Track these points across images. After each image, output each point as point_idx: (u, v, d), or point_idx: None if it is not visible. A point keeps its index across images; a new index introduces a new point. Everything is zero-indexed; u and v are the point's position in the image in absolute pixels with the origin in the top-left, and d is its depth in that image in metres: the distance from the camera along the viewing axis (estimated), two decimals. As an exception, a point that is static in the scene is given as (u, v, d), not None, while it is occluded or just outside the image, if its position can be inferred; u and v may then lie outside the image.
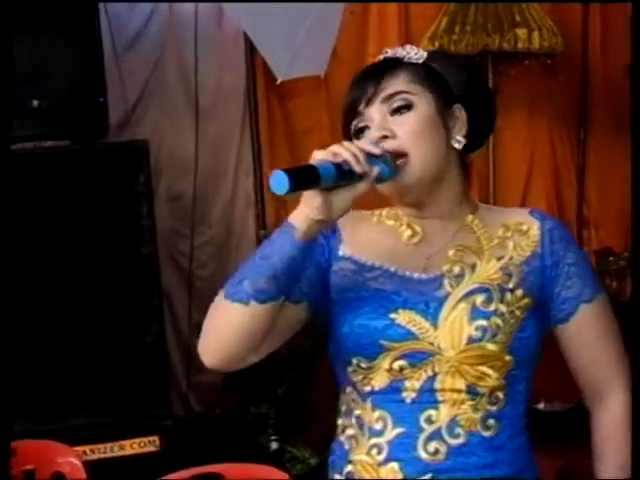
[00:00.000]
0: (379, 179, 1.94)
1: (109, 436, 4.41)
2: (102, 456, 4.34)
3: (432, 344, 1.98)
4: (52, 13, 4.46)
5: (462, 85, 2.09)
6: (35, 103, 4.39)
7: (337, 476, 2.11)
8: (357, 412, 2.07)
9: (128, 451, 4.43)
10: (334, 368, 2.13)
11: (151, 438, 4.45)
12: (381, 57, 2.12)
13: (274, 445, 4.65)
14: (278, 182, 1.80)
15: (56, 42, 4.46)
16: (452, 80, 2.08)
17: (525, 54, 5.75)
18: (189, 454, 3.92)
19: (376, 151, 1.93)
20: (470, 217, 2.10)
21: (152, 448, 4.45)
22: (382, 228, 2.14)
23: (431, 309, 2.00)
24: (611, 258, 6.16)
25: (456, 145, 2.06)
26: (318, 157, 1.87)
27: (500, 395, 2.01)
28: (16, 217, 4.30)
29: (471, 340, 1.97)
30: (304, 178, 1.84)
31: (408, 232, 2.10)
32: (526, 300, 2.02)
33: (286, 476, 3.11)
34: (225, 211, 5.70)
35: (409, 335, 1.98)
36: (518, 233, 2.07)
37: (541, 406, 5.28)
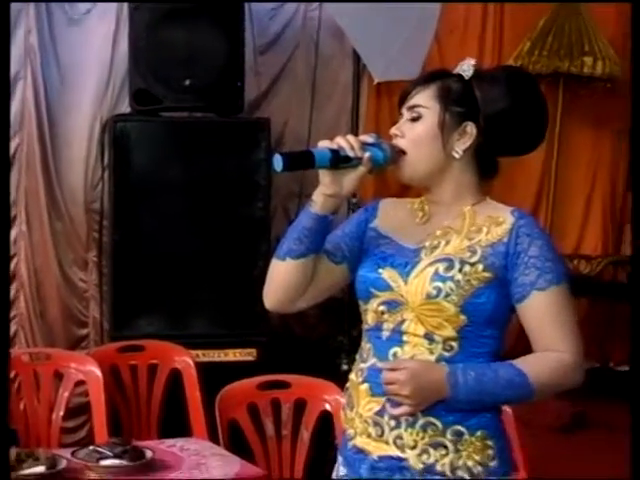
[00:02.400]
0: (375, 163, 2.04)
1: (217, 345, 4.51)
2: (210, 359, 4.40)
3: (402, 296, 2.05)
4: (207, 9, 4.58)
5: (492, 108, 2.06)
6: (188, 82, 4.50)
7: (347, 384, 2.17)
8: (362, 342, 2.15)
9: (231, 358, 4.52)
10: None
11: (250, 350, 4.54)
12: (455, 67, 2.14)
13: (344, 367, 4.72)
14: (276, 162, 1.97)
15: (208, 34, 4.55)
16: (484, 102, 2.07)
17: (590, 78, 5.78)
18: (279, 366, 3.87)
19: (370, 140, 2.05)
20: (469, 207, 2.11)
21: (250, 358, 4.53)
22: (409, 210, 2.19)
23: (406, 269, 2.05)
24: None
25: (454, 155, 2.08)
26: (320, 144, 2.04)
27: (454, 345, 2.03)
28: (166, 170, 4.57)
29: (428, 296, 2.01)
30: (298, 160, 2.00)
31: (420, 213, 2.17)
32: (485, 274, 2.02)
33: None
34: None
35: (388, 287, 2.07)
36: (494, 224, 2.06)
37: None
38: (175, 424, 3.75)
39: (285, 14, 5.39)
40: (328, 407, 3.41)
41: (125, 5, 4.74)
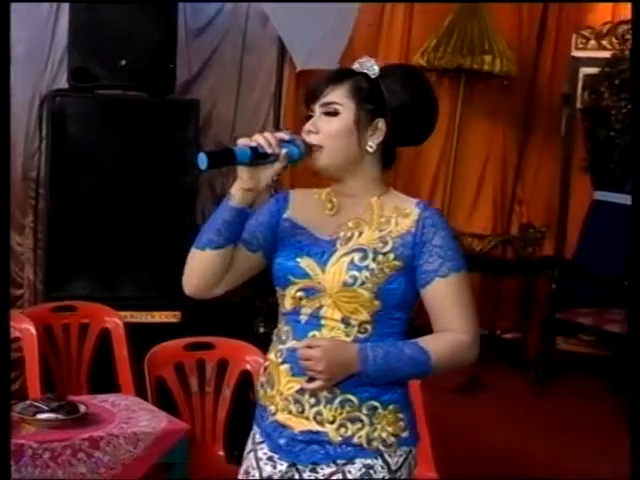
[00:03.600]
0: (290, 159, 2.01)
1: (145, 307, 4.46)
2: (138, 320, 4.34)
3: (320, 283, 2.02)
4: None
5: (397, 104, 2.05)
6: (123, 62, 4.42)
7: (264, 367, 2.15)
8: (278, 325, 2.12)
9: (157, 319, 4.47)
10: None
11: (175, 312, 4.50)
12: (353, 65, 2.10)
13: (261, 329, 4.72)
14: (201, 161, 1.93)
15: (144, 17, 4.46)
16: (391, 99, 2.04)
17: (489, 74, 5.81)
18: (201, 328, 3.85)
19: (286, 137, 2.01)
20: (375, 198, 2.09)
21: (174, 320, 4.49)
22: (316, 201, 2.14)
23: (323, 259, 2.03)
24: (531, 230, 6.27)
25: (368, 149, 2.05)
26: (240, 142, 1.99)
27: (368, 328, 2.02)
28: (100, 143, 4.46)
29: (345, 285, 2.00)
30: (221, 158, 1.96)
31: (329, 205, 2.11)
32: (396, 263, 2.02)
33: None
34: None
35: (305, 275, 2.04)
36: (402, 215, 2.05)
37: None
38: (104, 381, 3.71)
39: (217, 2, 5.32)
40: (248, 367, 3.41)
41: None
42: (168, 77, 4.56)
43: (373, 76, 2.06)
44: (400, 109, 2.05)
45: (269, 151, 1.98)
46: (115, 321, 3.84)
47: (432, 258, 2.02)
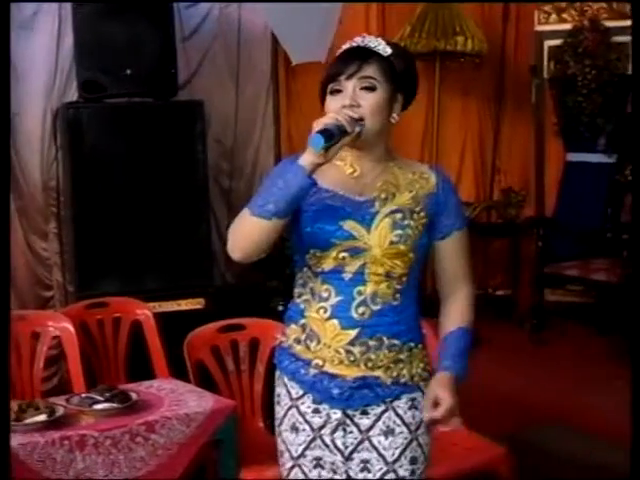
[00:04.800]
0: (357, 135, 1.99)
1: (171, 297, 4.41)
2: (165, 310, 4.30)
3: (365, 243, 2.03)
4: (140, 4, 4.39)
5: (407, 79, 2.08)
6: (128, 71, 4.34)
7: (293, 325, 2.13)
8: (311, 285, 2.08)
9: (183, 307, 4.42)
10: (294, 255, 2.12)
11: (199, 299, 4.47)
12: (363, 43, 2.05)
13: (280, 307, 4.68)
14: (317, 141, 1.90)
15: (142, 27, 4.37)
16: (402, 75, 2.07)
17: (461, 54, 5.76)
18: (224, 312, 3.79)
19: (356, 116, 1.98)
20: (391, 163, 2.11)
21: (199, 306, 4.45)
22: (334, 166, 2.08)
23: (366, 220, 2.04)
24: (512, 194, 6.24)
25: (392, 120, 2.08)
26: (328, 122, 1.93)
27: (404, 278, 2.07)
28: (114, 149, 4.37)
29: (391, 243, 2.03)
30: (328, 137, 1.91)
31: (350, 169, 2.10)
32: (425, 220, 2.07)
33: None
34: (254, 151, 5.61)
35: (350, 236, 2.03)
36: (422, 179, 2.11)
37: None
38: (139, 369, 3.63)
39: (205, 5, 5.25)
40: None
41: (65, 7, 4.54)
42: (170, 81, 4.48)
43: (385, 55, 2.05)
44: (410, 83, 2.10)
45: (349, 129, 1.96)
46: (145, 313, 3.77)
47: (451, 214, 2.11)
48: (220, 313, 3.84)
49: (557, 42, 5.92)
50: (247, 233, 2.00)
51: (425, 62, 5.88)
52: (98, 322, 3.76)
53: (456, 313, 2.16)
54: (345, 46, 2.08)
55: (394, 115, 2.07)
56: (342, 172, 2.10)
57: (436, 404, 2.03)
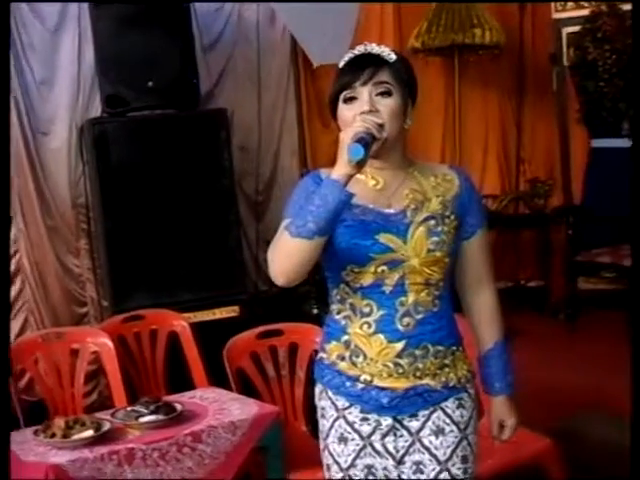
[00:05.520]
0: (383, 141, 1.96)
1: (206, 306, 4.41)
2: (200, 319, 4.31)
3: (403, 255, 2.00)
4: (158, 16, 4.38)
5: (413, 84, 2.06)
6: (150, 84, 4.36)
7: (334, 342, 2.08)
8: (350, 301, 2.05)
9: (218, 316, 4.42)
10: (328, 271, 2.08)
11: (234, 307, 4.47)
12: (366, 50, 2.01)
13: (315, 311, 4.68)
14: (357, 151, 1.84)
15: (162, 39, 4.37)
16: (411, 79, 2.05)
17: (480, 46, 5.71)
18: (259, 318, 3.82)
19: (380, 121, 1.94)
20: (411, 169, 2.08)
21: (234, 314, 4.45)
22: (357, 179, 1.97)
23: (401, 231, 2.01)
24: (539, 184, 6.20)
25: (405, 126, 2.03)
26: (360, 130, 1.89)
27: (441, 284, 2.06)
28: (141, 162, 4.39)
29: (429, 251, 2.01)
30: (366, 146, 1.87)
31: (373, 182, 2.06)
32: (455, 223, 2.06)
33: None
34: (276, 156, 5.60)
35: (388, 249, 2.00)
36: (445, 181, 2.09)
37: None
38: (178, 379, 3.64)
39: (225, 13, 5.23)
40: (317, 347, 3.30)
41: (84, 23, 4.57)
42: (192, 92, 4.50)
43: (391, 61, 2.01)
44: (415, 88, 2.07)
45: (378, 136, 1.93)
46: (181, 324, 3.78)
47: (475, 213, 2.11)
48: (255, 320, 3.84)
49: (575, 28, 5.86)
50: (289, 256, 1.91)
51: (444, 57, 5.86)
52: (135, 335, 3.77)
53: (491, 325, 2.18)
54: (348, 55, 2.03)
55: (407, 121, 2.03)
56: (366, 185, 2.06)
57: (501, 426, 2.20)
